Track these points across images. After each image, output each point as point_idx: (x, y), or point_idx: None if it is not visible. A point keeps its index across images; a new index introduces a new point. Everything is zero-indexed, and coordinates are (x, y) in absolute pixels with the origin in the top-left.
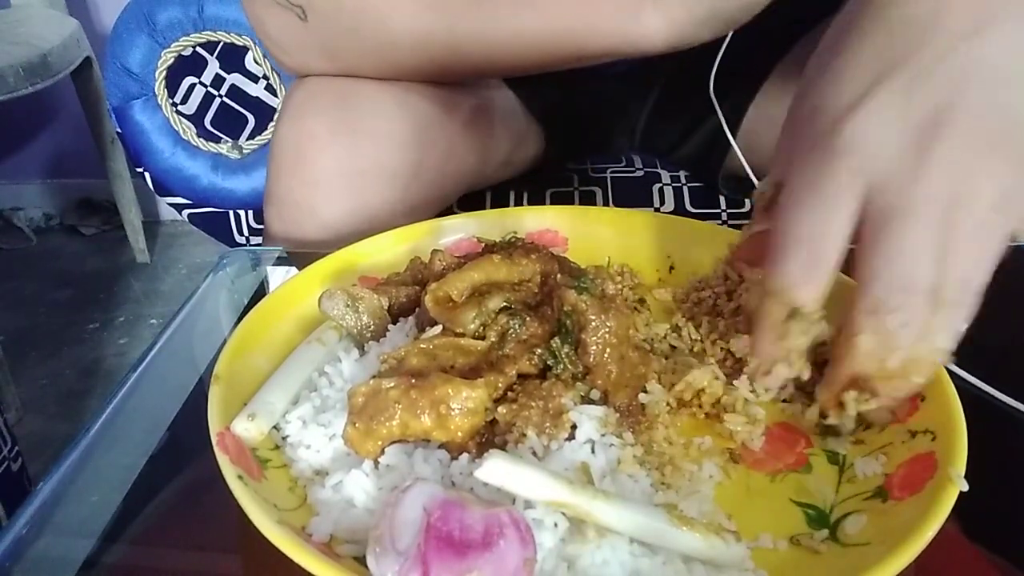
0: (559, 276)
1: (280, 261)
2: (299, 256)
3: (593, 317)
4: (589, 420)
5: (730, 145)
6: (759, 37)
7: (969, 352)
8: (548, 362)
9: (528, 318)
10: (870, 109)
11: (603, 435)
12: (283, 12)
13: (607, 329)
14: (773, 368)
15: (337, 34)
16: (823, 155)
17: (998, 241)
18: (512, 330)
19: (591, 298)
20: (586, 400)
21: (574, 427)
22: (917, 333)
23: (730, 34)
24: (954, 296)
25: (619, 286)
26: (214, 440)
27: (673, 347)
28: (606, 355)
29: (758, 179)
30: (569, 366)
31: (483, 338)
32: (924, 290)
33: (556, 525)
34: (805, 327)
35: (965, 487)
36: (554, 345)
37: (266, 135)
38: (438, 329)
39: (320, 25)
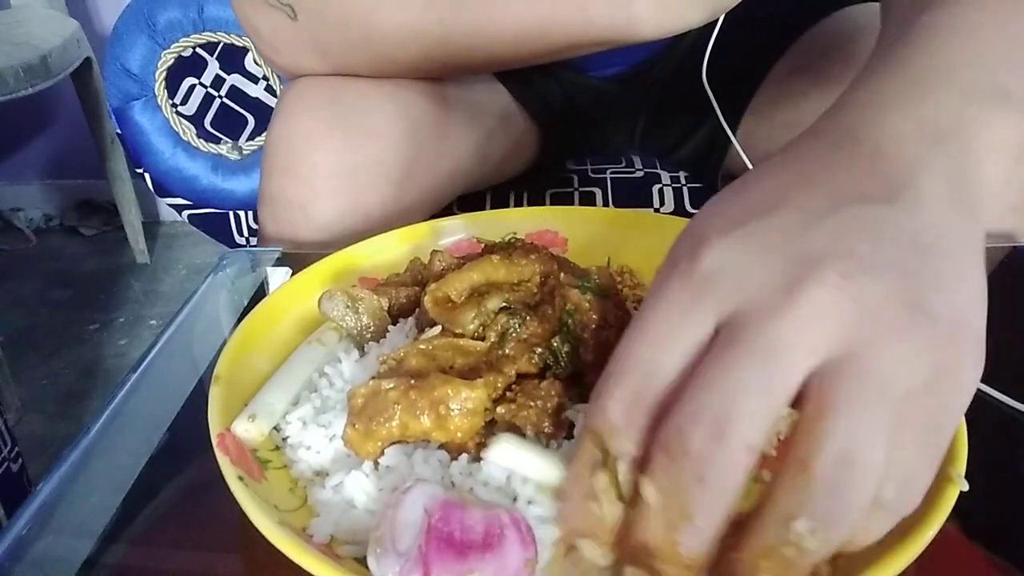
0: (562, 276)
1: (280, 262)
2: (295, 257)
3: (596, 316)
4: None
5: (729, 146)
6: (756, 38)
7: None
8: (548, 361)
9: (528, 317)
10: (738, 236)
11: None
12: (273, 12)
13: (609, 329)
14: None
15: (327, 30)
16: (678, 282)
17: (883, 423)
18: (512, 329)
19: (594, 298)
20: (584, 400)
21: (571, 426)
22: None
23: (719, 25)
24: (823, 480)
25: (620, 286)
26: (214, 441)
27: None
28: (607, 355)
29: None
30: (570, 365)
31: (483, 338)
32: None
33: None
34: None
35: (965, 487)
36: (555, 344)
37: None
38: (437, 330)
39: (310, 22)
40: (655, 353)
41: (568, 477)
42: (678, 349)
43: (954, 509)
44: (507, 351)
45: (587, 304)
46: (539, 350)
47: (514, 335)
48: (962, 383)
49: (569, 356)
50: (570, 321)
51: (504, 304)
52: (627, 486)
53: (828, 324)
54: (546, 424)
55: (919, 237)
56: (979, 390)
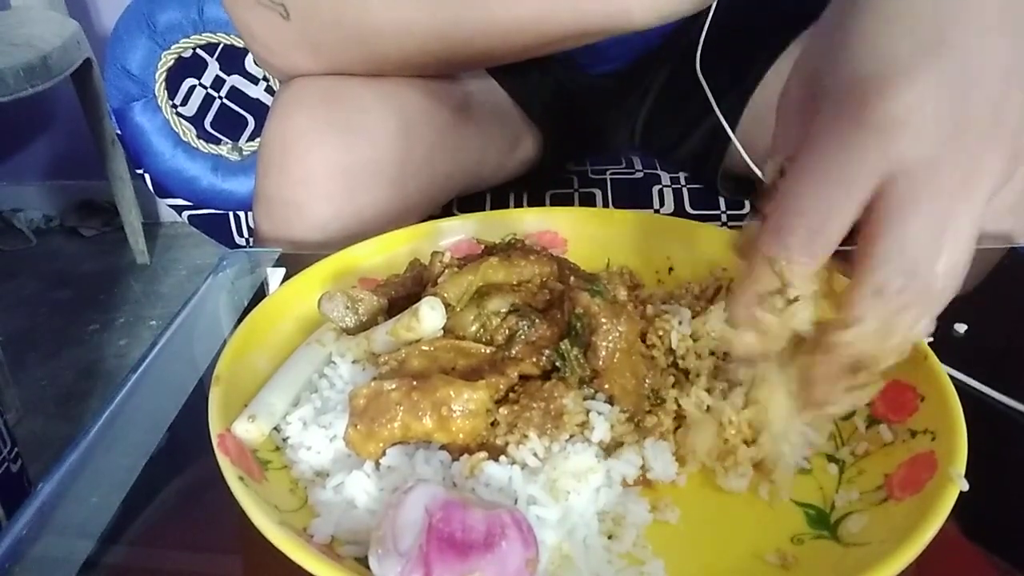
0: (572, 279)
1: (280, 262)
2: (294, 257)
3: (605, 321)
4: (604, 421)
5: (728, 145)
6: (754, 36)
7: (969, 352)
8: (556, 363)
9: (537, 320)
10: (916, 89)
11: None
12: (266, 12)
13: (618, 334)
14: (741, 333)
15: (320, 28)
16: (852, 127)
17: (978, 229)
18: (521, 331)
19: (603, 302)
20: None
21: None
22: (915, 317)
23: (711, 15)
24: (946, 283)
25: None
26: (215, 442)
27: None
28: (615, 359)
29: (756, 177)
30: (577, 369)
31: (483, 340)
32: (925, 275)
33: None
34: (785, 306)
35: (965, 487)
36: (563, 347)
37: None
38: (439, 332)
39: (303, 21)
40: (835, 199)
41: (736, 292)
42: (857, 196)
43: (954, 509)
44: (515, 352)
45: (596, 308)
46: (547, 352)
47: (523, 337)
48: None
49: (577, 359)
50: (579, 325)
51: (513, 306)
52: (799, 313)
53: (969, 172)
54: (548, 425)
55: None
56: (979, 390)
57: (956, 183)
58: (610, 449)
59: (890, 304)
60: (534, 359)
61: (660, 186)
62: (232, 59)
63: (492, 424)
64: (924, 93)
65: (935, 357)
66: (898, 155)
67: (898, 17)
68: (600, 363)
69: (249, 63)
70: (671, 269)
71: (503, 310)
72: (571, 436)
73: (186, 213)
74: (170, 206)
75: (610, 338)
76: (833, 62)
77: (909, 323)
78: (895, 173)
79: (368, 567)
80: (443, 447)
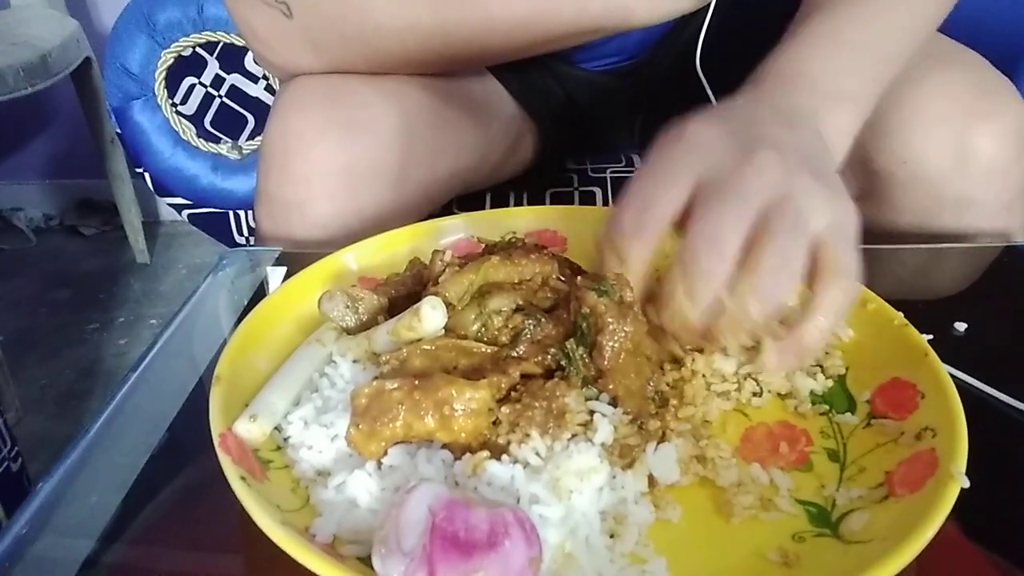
0: (579, 279)
1: (280, 261)
2: (294, 256)
3: (611, 320)
4: (607, 423)
5: None
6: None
7: (969, 352)
8: (561, 363)
9: (543, 319)
10: (707, 122)
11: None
12: (268, 10)
13: (624, 334)
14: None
15: (322, 25)
16: (670, 148)
17: (804, 240)
18: (527, 330)
19: (610, 302)
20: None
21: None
22: (718, 286)
23: (710, 12)
24: (760, 267)
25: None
26: (216, 441)
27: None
28: (620, 359)
29: None
30: (582, 368)
31: (484, 338)
32: (731, 252)
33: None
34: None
35: (966, 484)
36: (568, 347)
37: None
38: (440, 331)
39: (305, 18)
40: (655, 191)
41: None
42: (672, 191)
43: (954, 508)
44: (520, 351)
45: (603, 307)
46: (552, 350)
47: (528, 336)
48: (852, 225)
49: (583, 359)
50: (585, 324)
51: (519, 305)
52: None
53: (770, 176)
54: (550, 424)
55: (809, 146)
56: (979, 390)
57: (761, 187)
58: (612, 451)
59: (690, 270)
60: (538, 358)
61: None
62: (232, 58)
63: (494, 423)
64: (711, 128)
65: (935, 355)
66: (701, 163)
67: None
68: (605, 363)
69: (249, 62)
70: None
71: (505, 309)
72: (573, 436)
73: (186, 212)
74: (170, 205)
75: (616, 338)
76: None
77: (713, 292)
78: (703, 177)
79: (370, 566)
80: (445, 446)
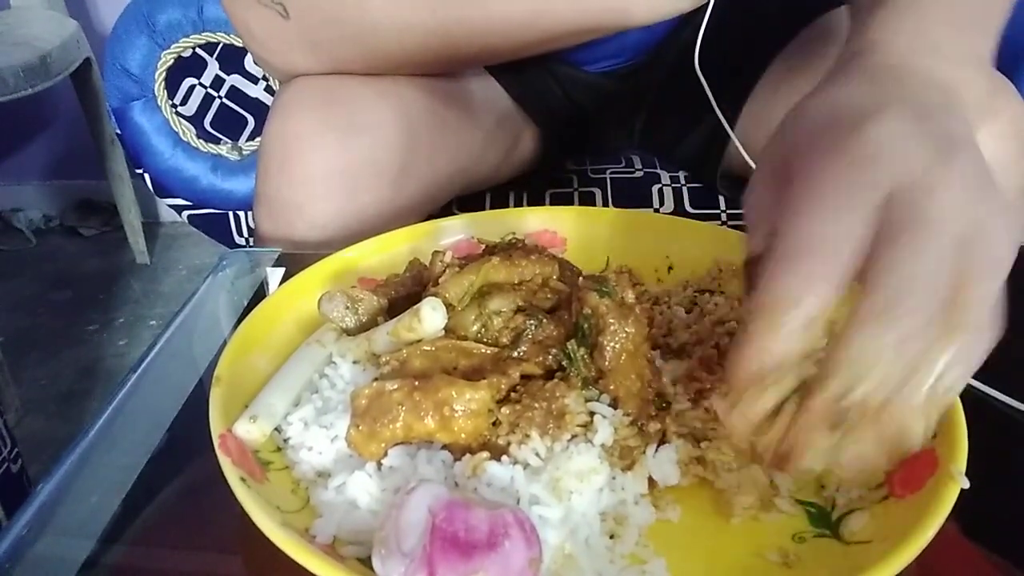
0: (581, 280)
1: (279, 262)
2: (294, 257)
3: (612, 321)
4: (607, 424)
5: (727, 144)
6: (753, 34)
7: None
8: (563, 363)
9: (544, 320)
10: (892, 116)
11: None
12: (265, 11)
13: (625, 335)
14: (750, 395)
15: (319, 26)
16: (841, 157)
17: (1005, 270)
18: (528, 331)
19: (612, 303)
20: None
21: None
22: (917, 355)
23: (708, 12)
24: (966, 318)
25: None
26: (216, 442)
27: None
28: (621, 360)
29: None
30: (583, 369)
31: (484, 339)
32: (934, 303)
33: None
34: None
35: (966, 484)
36: (570, 347)
37: None
38: (440, 332)
39: (302, 19)
40: (839, 225)
41: (735, 356)
42: (860, 219)
43: (954, 508)
44: (521, 352)
45: (604, 308)
46: (553, 351)
47: (529, 336)
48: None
49: (584, 360)
50: (586, 325)
51: (520, 305)
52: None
53: (964, 194)
54: (550, 425)
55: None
56: (979, 390)
57: (963, 210)
58: (612, 452)
59: (886, 330)
60: (539, 359)
61: (660, 185)
62: (232, 58)
63: (494, 424)
64: (897, 123)
65: None
66: (890, 176)
67: (857, 79)
68: (606, 363)
69: (249, 63)
70: (671, 268)
71: (505, 309)
72: (573, 437)
73: (186, 213)
74: (170, 206)
75: (617, 339)
76: (803, 121)
77: (909, 361)
78: (893, 194)
79: (370, 567)
80: (445, 447)
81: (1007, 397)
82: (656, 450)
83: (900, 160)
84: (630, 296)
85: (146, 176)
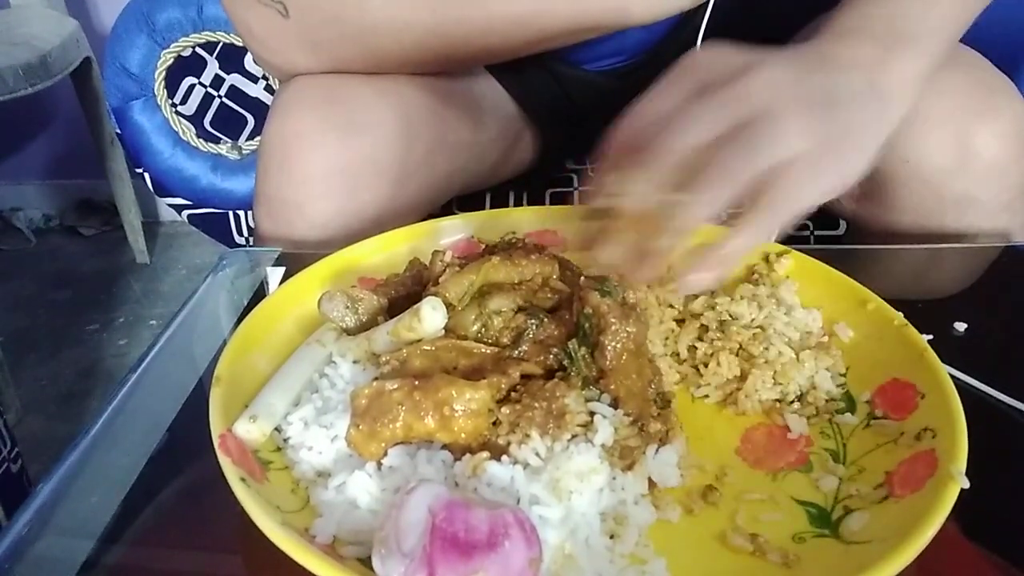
0: (582, 279)
1: (279, 262)
2: (294, 257)
3: (614, 321)
4: (607, 424)
5: None
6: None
7: (969, 352)
8: (564, 362)
9: (545, 319)
10: (771, 63)
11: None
12: (265, 10)
13: (626, 334)
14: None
15: (319, 25)
16: (712, 95)
17: (757, 163)
18: (529, 330)
19: (613, 302)
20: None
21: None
22: (662, 174)
23: (708, 11)
24: (699, 176)
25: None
26: (216, 442)
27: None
28: (623, 359)
29: None
30: (584, 369)
31: (484, 339)
32: (682, 147)
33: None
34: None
35: (966, 484)
36: (571, 347)
37: None
38: (440, 331)
39: (302, 18)
40: (655, 104)
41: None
42: (704, 132)
43: (954, 508)
44: (522, 351)
45: (605, 308)
46: (555, 350)
47: (530, 336)
48: (833, 174)
49: (585, 359)
50: (587, 324)
51: (521, 305)
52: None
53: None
54: (550, 425)
55: (843, 90)
56: (979, 390)
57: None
58: (613, 452)
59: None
60: (539, 358)
61: None
62: (232, 58)
63: (494, 424)
64: (778, 70)
65: (934, 354)
66: (749, 108)
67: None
68: (607, 363)
69: (248, 62)
70: (669, 267)
71: (505, 309)
72: (573, 437)
73: (186, 212)
74: (170, 205)
75: (618, 338)
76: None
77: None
78: (743, 119)
79: (370, 567)
80: (445, 447)
81: (1007, 397)
82: (656, 450)
83: (761, 98)
84: (632, 296)
85: (146, 175)
